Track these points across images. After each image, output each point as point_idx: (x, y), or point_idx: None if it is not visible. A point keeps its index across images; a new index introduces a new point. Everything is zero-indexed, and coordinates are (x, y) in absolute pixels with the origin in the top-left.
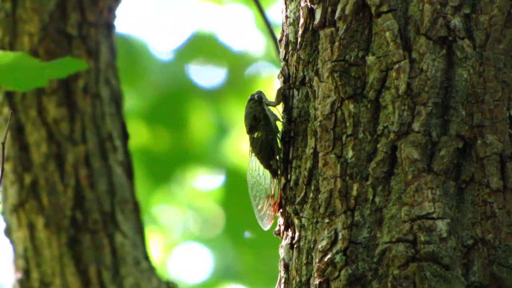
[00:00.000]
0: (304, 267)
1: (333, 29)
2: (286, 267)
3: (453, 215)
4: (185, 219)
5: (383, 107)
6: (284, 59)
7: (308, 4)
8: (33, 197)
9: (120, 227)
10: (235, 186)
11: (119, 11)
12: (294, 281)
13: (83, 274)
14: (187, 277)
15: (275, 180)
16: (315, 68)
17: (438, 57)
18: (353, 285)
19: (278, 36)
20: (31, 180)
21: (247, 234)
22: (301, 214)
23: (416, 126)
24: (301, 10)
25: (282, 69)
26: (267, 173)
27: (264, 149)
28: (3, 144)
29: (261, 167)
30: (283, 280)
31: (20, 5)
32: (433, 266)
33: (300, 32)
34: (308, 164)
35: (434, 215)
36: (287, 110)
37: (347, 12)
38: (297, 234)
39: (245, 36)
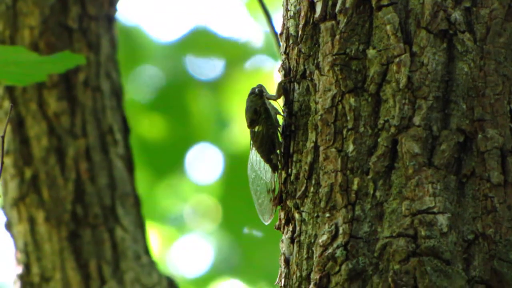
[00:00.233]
0: (304, 262)
1: (333, 22)
2: (287, 262)
3: (453, 209)
4: (184, 212)
5: (383, 101)
6: (284, 52)
7: None
8: (34, 191)
9: (121, 221)
10: (235, 180)
11: (120, 3)
12: (294, 276)
13: (84, 268)
14: (185, 271)
15: (275, 174)
16: (315, 61)
17: (438, 51)
18: (353, 279)
19: (279, 30)
20: (32, 174)
21: (246, 230)
22: (301, 209)
23: (416, 120)
24: (302, 3)
25: (283, 62)
26: (268, 167)
27: (264, 143)
28: (3, 137)
29: (262, 161)
30: (283, 275)
31: None
32: (433, 261)
33: (300, 26)
34: (309, 158)
35: (435, 210)
36: (288, 104)
37: (347, 5)
38: (297, 228)
39: (246, 28)
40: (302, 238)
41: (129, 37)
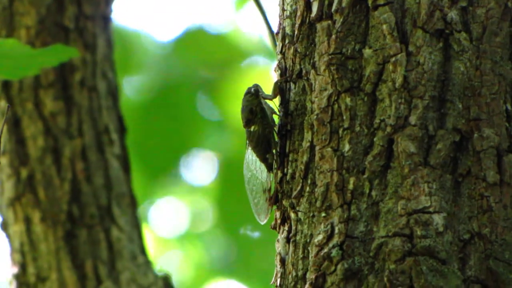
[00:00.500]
0: (300, 261)
1: (330, 22)
2: (283, 261)
3: (449, 209)
4: (179, 213)
5: (379, 100)
6: (281, 52)
7: None
8: (30, 191)
9: (117, 221)
10: (231, 180)
11: (116, 4)
12: (290, 276)
13: (80, 268)
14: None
15: (271, 174)
16: (312, 61)
17: (435, 50)
18: (349, 279)
19: (275, 29)
20: (28, 173)
21: (243, 231)
22: (297, 208)
23: (412, 119)
24: (298, 2)
25: (279, 62)
26: (264, 166)
27: (260, 143)
28: None
29: (258, 160)
30: (279, 275)
31: None
32: (429, 261)
33: (297, 25)
34: (305, 158)
35: (431, 209)
36: (284, 104)
37: (344, 4)
38: (293, 228)
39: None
40: (297, 237)
41: (124, 38)
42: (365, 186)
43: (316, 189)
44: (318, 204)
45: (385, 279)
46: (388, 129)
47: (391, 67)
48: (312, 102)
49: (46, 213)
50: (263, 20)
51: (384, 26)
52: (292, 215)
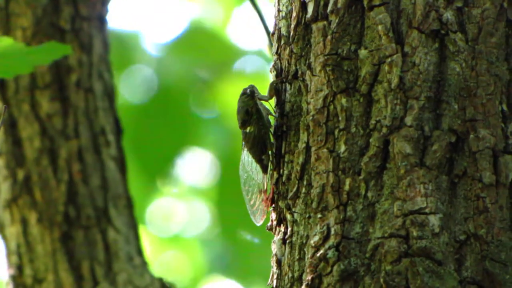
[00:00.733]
0: (296, 263)
1: (325, 22)
2: (279, 263)
3: (445, 210)
4: (177, 214)
5: (375, 101)
6: (276, 52)
7: None
8: (26, 192)
9: (113, 222)
10: (228, 180)
11: (112, 5)
12: (286, 277)
13: (76, 269)
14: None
15: (267, 175)
16: (307, 62)
17: (430, 51)
18: (345, 280)
19: (271, 29)
20: (24, 175)
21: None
22: (293, 209)
23: (408, 120)
24: (293, 3)
25: (275, 63)
26: (260, 168)
27: (256, 144)
28: None
29: (254, 162)
30: (275, 276)
31: None
32: (425, 262)
33: (292, 26)
34: (301, 159)
35: (427, 210)
36: (280, 104)
37: (339, 5)
38: (289, 229)
39: (238, 29)
40: (294, 239)
41: (120, 39)
42: (361, 187)
43: (312, 190)
44: (314, 205)
45: (381, 280)
46: (384, 130)
47: (386, 67)
48: (308, 103)
49: (42, 214)
50: (259, 20)
51: (380, 27)
52: (288, 216)
